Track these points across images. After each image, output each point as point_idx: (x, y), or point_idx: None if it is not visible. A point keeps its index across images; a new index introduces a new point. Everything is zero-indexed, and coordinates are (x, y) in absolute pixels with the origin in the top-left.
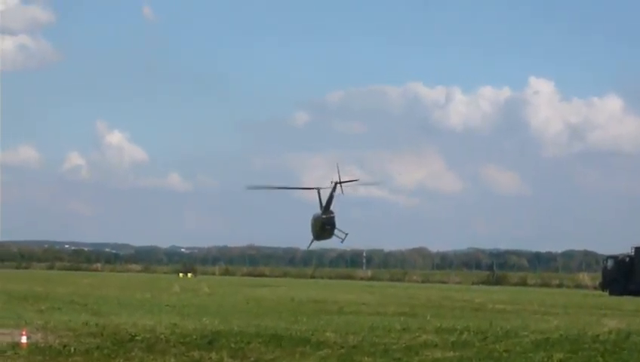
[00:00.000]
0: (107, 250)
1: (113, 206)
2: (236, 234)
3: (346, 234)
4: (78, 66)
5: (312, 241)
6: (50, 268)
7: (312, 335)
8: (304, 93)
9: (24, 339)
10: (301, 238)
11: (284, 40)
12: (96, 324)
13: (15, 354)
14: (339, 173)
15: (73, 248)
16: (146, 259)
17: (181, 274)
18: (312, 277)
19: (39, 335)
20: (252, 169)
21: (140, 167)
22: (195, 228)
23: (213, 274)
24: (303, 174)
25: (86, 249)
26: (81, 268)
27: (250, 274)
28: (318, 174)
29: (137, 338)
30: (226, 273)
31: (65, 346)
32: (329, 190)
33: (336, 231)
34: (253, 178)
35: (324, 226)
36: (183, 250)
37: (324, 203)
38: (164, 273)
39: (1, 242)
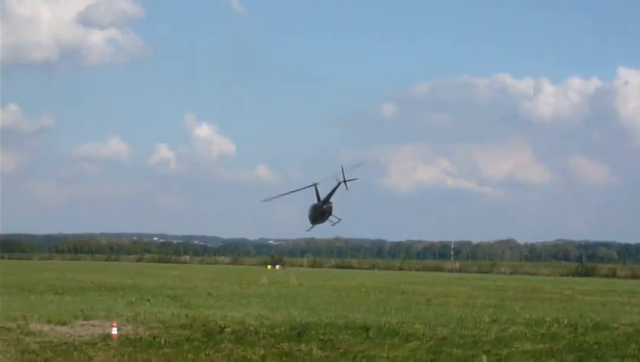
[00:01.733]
0: (196, 242)
1: (202, 198)
2: (324, 227)
3: (339, 219)
4: (167, 60)
5: (311, 227)
6: (139, 260)
7: (401, 327)
8: (391, 86)
9: (114, 331)
10: (389, 230)
11: (371, 32)
12: (186, 316)
13: (106, 345)
14: (343, 173)
15: (162, 240)
16: (235, 251)
17: (269, 266)
18: (400, 268)
19: (129, 326)
20: (339, 161)
21: (228, 160)
22: (283, 220)
23: (301, 266)
24: (390, 166)
25: (175, 241)
26: (170, 260)
27: (338, 266)
28: (405, 166)
29: (227, 329)
30: (314, 265)
31: (155, 338)
32: (324, 187)
33: (331, 217)
34: (337, 170)
35: (323, 214)
36: (271, 242)
37: (321, 196)
38: (253, 265)
39: (91, 234)
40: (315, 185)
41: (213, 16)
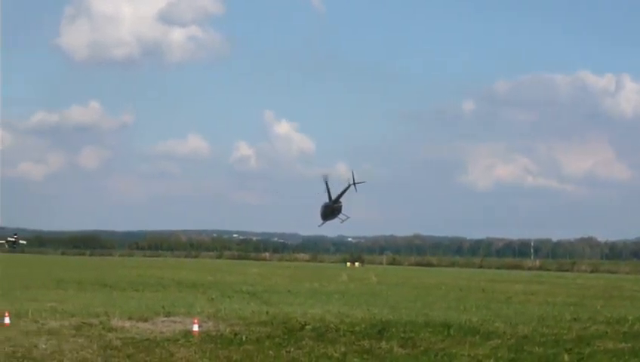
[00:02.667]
0: (275, 239)
1: (281, 195)
2: (402, 224)
3: (347, 217)
4: (247, 57)
5: (322, 223)
6: (219, 257)
7: (482, 325)
8: (471, 83)
9: (196, 327)
10: (468, 228)
11: (451, 30)
12: (267, 313)
13: (187, 341)
14: (353, 177)
15: (241, 237)
16: (314, 248)
17: (348, 264)
18: (480, 266)
19: (210, 323)
20: (419, 158)
21: (307, 157)
22: (362, 217)
23: (381, 263)
24: (469, 164)
25: (254, 238)
26: (250, 257)
27: (417, 264)
28: (485, 164)
29: (307, 327)
30: (393, 262)
31: (236, 334)
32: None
33: (340, 215)
34: (419, 167)
35: (333, 211)
36: (349, 239)
37: (332, 194)
38: (332, 262)
39: (171, 231)
40: (325, 178)
41: (293, 13)
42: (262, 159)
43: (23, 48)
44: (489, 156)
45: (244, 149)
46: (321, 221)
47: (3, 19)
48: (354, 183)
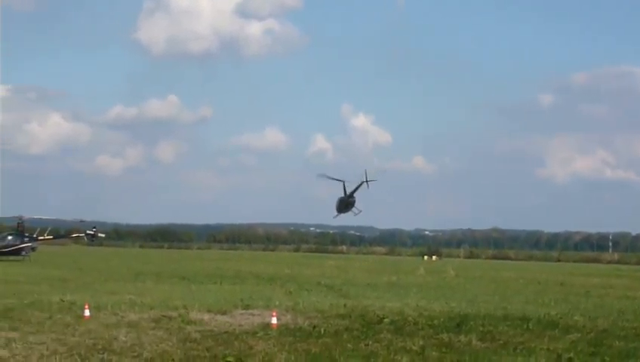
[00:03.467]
0: (352, 232)
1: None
2: (480, 217)
3: (360, 210)
4: (324, 50)
5: (337, 215)
6: (296, 250)
7: (561, 318)
8: (548, 75)
9: (274, 320)
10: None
11: (528, 22)
12: (344, 306)
13: (266, 334)
14: (366, 175)
15: (319, 230)
16: (391, 241)
17: (426, 257)
18: (558, 260)
19: (288, 316)
20: (496, 151)
21: (384, 150)
22: (440, 210)
23: (458, 256)
24: (547, 157)
25: (331, 231)
26: (327, 250)
27: (494, 257)
28: (562, 157)
29: (385, 320)
30: (471, 256)
31: (314, 327)
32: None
33: (353, 209)
34: (497, 160)
35: (347, 205)
36: (427, 232)
37: (347, 190)
38: (409, 255)
39: (249, 224)
40: (343, 182)
41: (371, 6)
42: (338, 152)
43: (101, 42)
44: (567, 149)
45: (321, 142)
46: (336, 213)
47: (83, 13)
48: (366, 181)
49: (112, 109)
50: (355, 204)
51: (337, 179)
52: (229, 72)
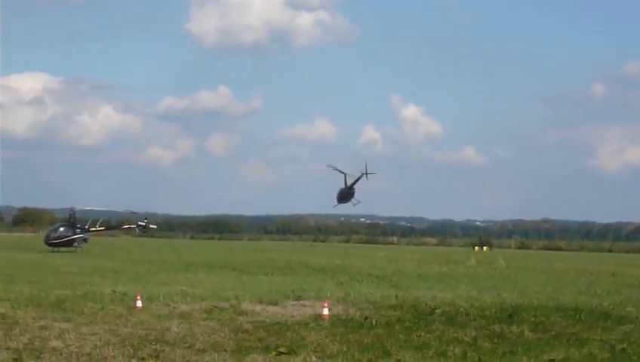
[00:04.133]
0: (402, 223)
1: (408, 179)
2: (531, 208)
3: (359, 201)
4: (374, 41)
5: (337, 205)
6: (347, 241)
7: (613, 309)
8: (600, 65)
9: (326, 311)
10: (597, 211)
11: (580, 11)
12: (396, 297)
13: (317, 325)
14: (366, 167)
15: (369, 221)
16: (441, 232)
17: (476, 248)
18: (610, 250)
19: (340, 307)
20: (547, 141)
21: (434, 141)
22: (490, 201)
23: (509, 247)
24: (598, 147)
25: (381, 222)
26: (377, 241)
27: (545, 248)
28: (614, 147)
29: (437, 311)
30: (522, 246)
31: (366, 318)
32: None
33: (353, 199)
34: (548, 150)
35: (347, 196)
36: (477, 223)
37: (348, 182)
38: (460, 246)
39: (299, 215)
40: (345, 174)
41: None
42: (389, 143)
43: (153, 34)
44: (618, 139)
45: (370, 133)
46: (337, 203)
47: (134, 5)
48: (366, 173)
49: (163, 101)
50: (355, 195)
51: (341, 171)
52: (280, 63)
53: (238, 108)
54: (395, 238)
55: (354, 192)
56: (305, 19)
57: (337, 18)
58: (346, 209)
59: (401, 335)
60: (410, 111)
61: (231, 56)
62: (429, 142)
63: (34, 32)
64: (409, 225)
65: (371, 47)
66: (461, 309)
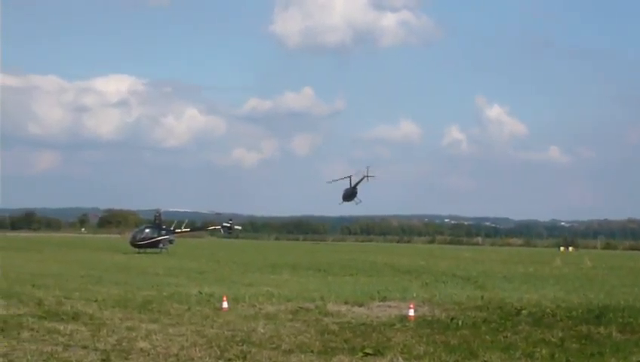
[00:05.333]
0: (487, 223)
1: (493, 180)
2: (616, 207)
3: (360, 200)
4: (458, 41)
5: (341, 202)
6: (431, 241)
7: None
8: None
9: (411, 312)
10: None
11: None
12: (481, 298)
13: (403, 326)
14: (367, 171)
15: (453, 222)
16: (526, 232)
17: (562, 248)
18: None
19: (425, 308)
20: (632, 141)
21: (519, 141)
22: (575, 201)
23: (595, 247)
24: None
25: (466, 223)
26: (462, 241)
27: (632, 248)
28: None
29: (523, 312)
30: (607, 247)
31: (452, 319)
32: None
33: (355, 199)
34: (633, 150)
35: (351, 195)
36: (563, 223)
37: (352, 183)
38: (545, 247)
39: (383, 216)
40: (349, 177)
41: None
42: (473, 143)
43: (237, 36)
44: None
45: (455, 133)
46: (342, 201)
47: (217, 7)
48: (367, 176)
49: (247, 102)
50: (357, 195)
51: (343, 178)
52: (363, 64)
53: (322, 108)
54: (479, 239)
55: (357, 192)
56: (389, 20)
57: (422, 18)
58: (431, 209)
59: (487, 337)
60: (495, 111)
61: (315, 57)
62: (513, 143)
63: (118, 35)
64: (493, 225)
65: (455, 47)
66: (548, 310)
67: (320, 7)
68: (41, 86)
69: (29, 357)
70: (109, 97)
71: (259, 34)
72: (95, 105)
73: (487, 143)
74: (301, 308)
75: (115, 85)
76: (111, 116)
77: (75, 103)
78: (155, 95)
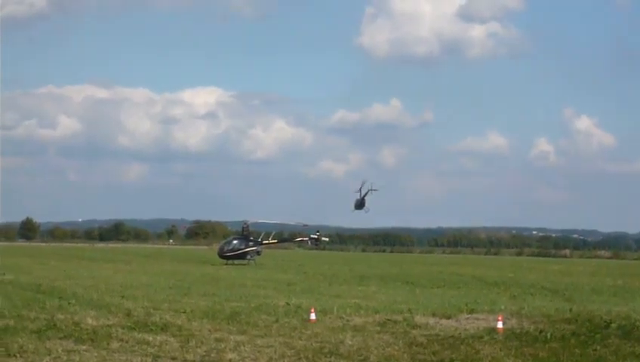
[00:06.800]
0: (575, 236)
1: (581, 191)
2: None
3: (369, 209)
4: (547, 53)
5: (354, 210)
6: (519, 254)
7: None
8: None
9: (500, 325)
10: None
11: None
12: (570, 310)
13: (492, 339)
14: (371, 184)
15: (541, 234)
16: (614, 245)
17: None
18: None
19: (514, 320)
20: None
21: (607, 152)
22: None
23: None
24: None
25: (553, 235)
26: (549, 254)
27: None
28: None
29: (612, 325)
30: None
31: (540, 332)
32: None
33: (364, 208)
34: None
35: (361, 205)
36: None
37: (362, 192)
38: (634, 259)
39: (470, 228)
40: (362, 183)
41: (592, 5)
42: (561, 155)
43: (326, 48)
44: None
45: (543, 145)
46: (353, 209)
47: (305, 19)
48: (371, 190)
49: (335, 114)
50: (366, 205)
51: (360, 189)
52: (451, 75)
53: (410, 120)
54: (567, 251)
55: (365, 202)
56: (477, 31)
57: (510, 30)
58: (518, 221)
59: (576, 350)
60: (583, 122)
61: (403, 69)
62: (601, 154)
63: (206, 48)
64: (582, 238)
65: (543, 58)
66: (637, 323)
67: (408, 18)
68: (130, 98)
69: None
70: (197, 109)
71: (346, 46)
72: (183, 117)
73: (575, 155)
74: (389, 320)
75: (203, 97)
76: (199, 128)
77: (164, 115)
78: (243, 107)
